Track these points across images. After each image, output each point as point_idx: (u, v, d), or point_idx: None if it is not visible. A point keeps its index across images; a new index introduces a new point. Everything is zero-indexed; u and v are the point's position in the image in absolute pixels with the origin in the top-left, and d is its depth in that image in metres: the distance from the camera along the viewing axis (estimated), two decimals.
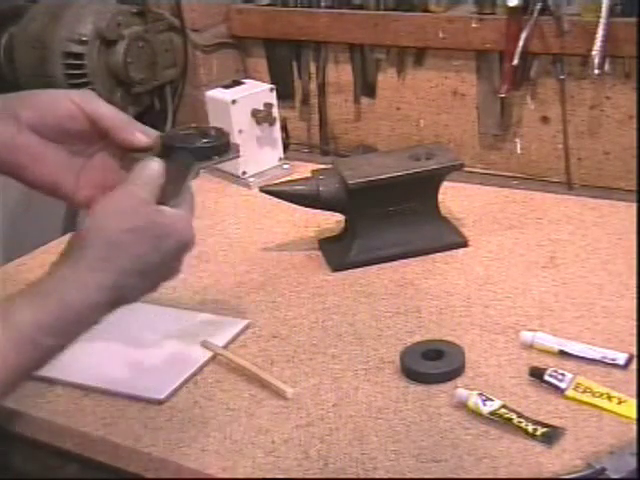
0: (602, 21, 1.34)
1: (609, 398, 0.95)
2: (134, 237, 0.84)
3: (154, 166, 0.88)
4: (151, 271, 0.86)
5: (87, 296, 0.82)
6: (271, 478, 0.90)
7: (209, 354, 1.09)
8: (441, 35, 1.53)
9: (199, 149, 0.91)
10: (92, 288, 0.82)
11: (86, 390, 1.05)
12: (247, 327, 1.15)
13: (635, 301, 1.12)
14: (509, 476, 0.87)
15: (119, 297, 0.85)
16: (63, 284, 0.82)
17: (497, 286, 1.19)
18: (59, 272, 0.83)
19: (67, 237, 1.45)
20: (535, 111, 1.52)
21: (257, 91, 1.58)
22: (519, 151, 1.56)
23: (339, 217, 1.34)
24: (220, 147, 0.92)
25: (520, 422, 0.92)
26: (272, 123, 1.58)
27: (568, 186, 1.50)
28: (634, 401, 0.94)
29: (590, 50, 1.35)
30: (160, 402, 1.02)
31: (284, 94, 1.72)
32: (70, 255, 0.84)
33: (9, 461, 1.09)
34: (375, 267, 1.27)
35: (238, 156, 0.94)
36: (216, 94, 1.58)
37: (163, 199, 0.88)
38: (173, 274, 0.90)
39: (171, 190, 0.89)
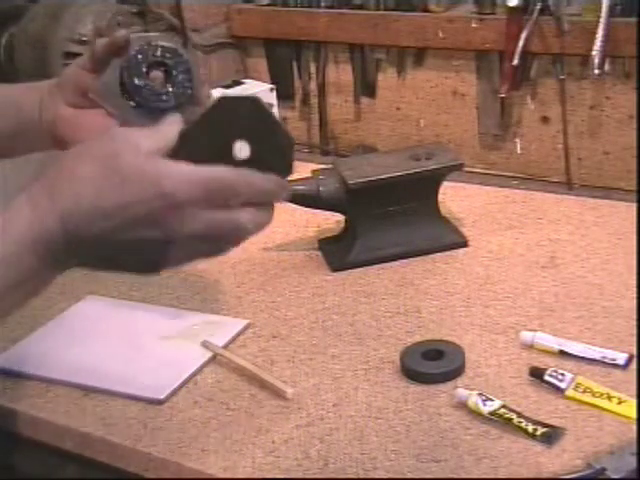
0: (602, 21, 1.34)
1: (609, 398, 0.95)
2: (102, 167, 0.72)
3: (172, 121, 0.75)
4: (117, 215, 0.71)
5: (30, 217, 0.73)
6: (271, 478, 0.90)
7: (209, 354, 1.09)
8: (441, 35, 1.53)
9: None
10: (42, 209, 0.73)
11: (86, 390, 1.05)
12: (247, 327, 1.15)
13: (635, 301, 1.12)
14: (509, 476, 0.87)
15: (74, 230, 0.72)
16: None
17: (497, 286, 1.19)
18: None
19: None
20: (535, 111, 1.52)
21: (257, 91, 1.58)
22: (519, 151, 1.56)
23: (339, 217, 1.34)
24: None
25: (520, 422, 0.92)
26: None
27: (568, 186, 1.50)
28: (634, 401, 0.94)
29: (590, 50, 1.35)
30: (160, 402, 1.02)
31: (284, 94, 1.72)
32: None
33: (9, 461, 1.10)
34: (375, 267, 1.27)
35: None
36: (216, 94, 1.57)
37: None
38: (159, 236, 0.72)
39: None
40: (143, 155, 0.71)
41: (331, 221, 1.37)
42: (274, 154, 0.75)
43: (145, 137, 0.73)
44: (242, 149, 0.73)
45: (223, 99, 0.74)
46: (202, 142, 0.73)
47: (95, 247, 0.73)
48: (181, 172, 0.71)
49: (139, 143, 0.72)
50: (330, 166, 1.33)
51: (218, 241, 0.74)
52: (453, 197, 1.41)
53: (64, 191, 0.73)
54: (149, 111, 0.89)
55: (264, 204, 0.75)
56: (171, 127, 0.74)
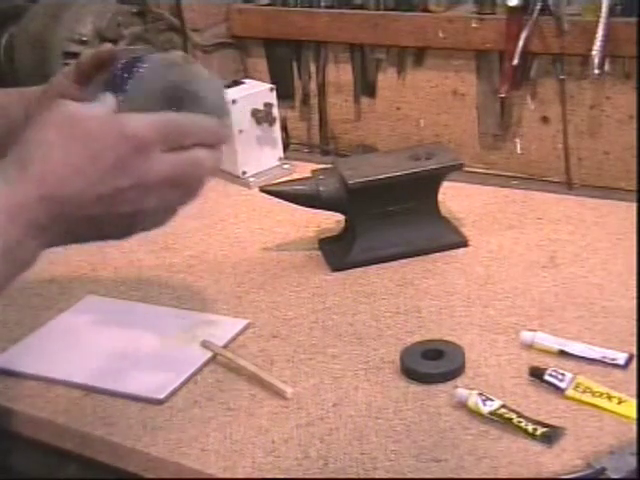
0: (602, 21, 1.34)
1: (609, 398, 0.95)
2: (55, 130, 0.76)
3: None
4: (88, 168, 0.75)
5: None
6: (271, 478, 0.90)
7: (209, 354, 1.09)
8: (441, 35, 1.53)
9: None
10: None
11: (86, 390, 1.05)
12: (247, 327, 1.15)
13: (635, 301, 1.12)
14: (509, 476, 0.87)
15: (49, 194, 0.75)
16: None
17: (497, 286, 1.19)
18: None
19: None
20: (535, 111, 1.52)
21: (257, 91, 1.58)
22: (519, 151, 1.56)
23: (339, 217, 1.34)
24: None
25: (520, 422, 0.92)
26: (272, 123, 1.59)
27: (568, 186, 1.50)
28: (634, 401, 0.94)
29: (590, 50, 1.35)
30: (160, 402, 1.02)
31: (284, 94, 1.72)
32: None
33: (9, 461, 1.10)
34: (375, 267, 1.27)
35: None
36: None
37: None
38: (131, 183, 0.76)
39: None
40: (98, 112, 0.77)
41: (331, 221, 1.37)
42: (208, 101, 0.82)
43: (92, 105, 0.79)
44: (178, 107, 0.81)
45: (148, 69, 0.83)
46: (139, 106, 0.79)
47: (74, 209, 0.75)
48: (138, 117, 0.77)
49: (91, 106, 0.78)
50: (330, 166, 1.33)
51: (185, 184, 0.79)
52: (453, 197, 1.41)
53: (34, 159, 0.75)
54: None
55: (213, 145, 0.81)
56: (110, 99, 0.80)
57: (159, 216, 0.81)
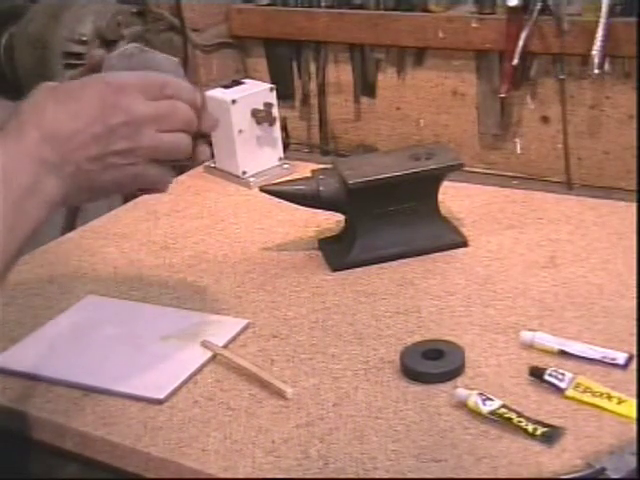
0: (602, 21, 1.34)
1: (609, 398, 0.95)
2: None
3: None
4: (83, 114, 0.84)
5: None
6: (271, 478, 0.90)
7: (209, 354, 1.09)
8: (441, 35, 1.53)
9: None
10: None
11: (86, 390, 1.05)
12: (247, 327, 1.15)
13: (635, 301, 1.12)
14: (509, 476, 0.87)
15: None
16: None
17: (497, 286, 1.19)
18: None
19: (66, 237, 1.46)
20: (535, 111, 1.52)
21: (257, 91, 1.58)
22: (519, 151, 1.56)
23: (339, 217, 1.34)
24: None
25: (520, 422, 0.92)
26: (272, 123, 1.59)
27: (568, 186, 1.50)
28: (634, 401, 0.94)
29: (590, 50, 1.35)
30: (160, 402, 1.02)
31: (284, 94, 1.72)
32: None
33: (9, 461, 1.09)
34: (375, 267, 1.27)
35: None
36: (216, 94, 1.58)
37: None
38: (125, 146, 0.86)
39: None
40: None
41: (331, 221, 1.37)
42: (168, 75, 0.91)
43: None
44: None
45: (114, 61, 0.92)
46: None
47: (75, 148, 0.83)
48: (121, 73, 0.89)
49: None
50: (330, 166, 1.33)
51: (170, 125, 0.87)
52: (453, 197, 1.41)
53: (29, 116, 0.84)
54: None
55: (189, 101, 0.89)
56: None
57: (163, 168, 0.88)
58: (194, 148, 0.91)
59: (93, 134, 0.83)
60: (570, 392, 0.96)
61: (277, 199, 1.32)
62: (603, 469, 0.85)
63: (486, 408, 0.94)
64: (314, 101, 1.75)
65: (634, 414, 0.92)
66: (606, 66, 1.37)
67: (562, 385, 0.97)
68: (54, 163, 0.83)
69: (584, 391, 0.96)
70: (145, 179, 0.88)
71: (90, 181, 0.85)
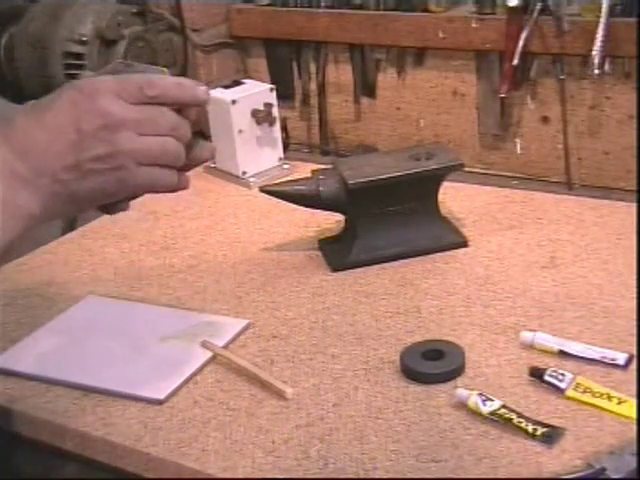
0: (602, 21, 1.34)
1: (609, 398, 0.95)
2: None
3: None
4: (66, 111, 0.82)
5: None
6: (271, 478, 0.90)
7: (209, 354, 1.09)
8: (441, 35, 1.53)
9: None
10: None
11: (86, 390, 1.05)
12: (247, 327, 1.15)
13: (635, 301, 1.12)
14: (509, 476, 0.87)
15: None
16: None
17: (497, 286, 1.19)
18: None
19: (66, 237, 1.46)
20: (535, 111, 1.52)
21: (257, 91, 1.58)
22: (519, 151, 1.56)
23: (339, 217, 1.34)
24: None
25: (520, 422, 0.92)
26: (272, 123, 1.59)
27: (568, 186, 1.50)
28: (634, 401, 0.94)
29: (590, 50, 1.35)
30: (160, 402, 1.02)
31: (284, 94, 1.72)
32: None
33: (9, 461, 1.10)
34: (375, 267, 1.27)
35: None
36: (216, 94, 1.58)
37: None
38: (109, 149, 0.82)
39: None
40: None
41: (331, 221, 1.37)
42: None
43: None
44: None
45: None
46: None
47: (49, 160, 0.80)
48: (96, 77, 0.84)
49: None
50: (330, 166, 1.33)
51: (155, 129, 0.83)
52: (453, 197, 1.41)
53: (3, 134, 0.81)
54: None
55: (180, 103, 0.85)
56: None
57: (153, 172, 0.84)
58: (189, 150, 0.87)
59: (67, 141, 0.80)
60: (570, 392, 0.96)
61: (277, 199, 1.32)
62: (603, 469, 0.85)
63: (486, 408, 0.94)
64: (314, 101, 1.75)
65: (634, 414, 0.92)
66: (606, 66, 1.37)
67: (562, 385, 0.97)
68: (27, 176, 0.80)
69: (584, 391, 0.96)
70: (136, 183, 0.84)
71: (70, 190, 0.82)
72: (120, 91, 0.82)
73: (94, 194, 0.83)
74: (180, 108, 0.86)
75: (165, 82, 0.84)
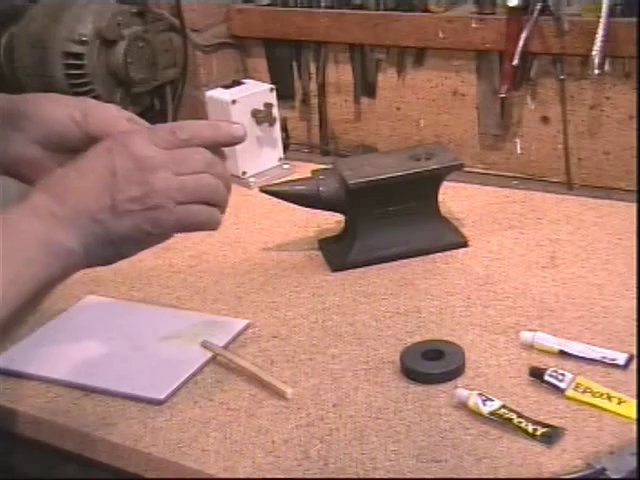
0: (602, 21, 1.34)
1: (609, 398, 0.95)
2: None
3: None
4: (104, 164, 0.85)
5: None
6: (271, 478, 0.90)
7: (209, 354, 1.09)
8: (441, 35, 1.53)
9: None
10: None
11: (86, 390, 1.05)
12: (247, 327, 1.15)
13: (635, 301, 1.12)
14: (509, 476, 0.87)
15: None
16: None
17: (497, 286, 1.19)
18: None
19: None
20: (535, 111, 1.52)
21: (257, 91, 1.58)
22: (519, 151, 1.56)
23: (339, 217, 1.34)
24: None
25: (520, 422, 0.92)
26: (272, 123, 1.59)
27: (568, 186, 1.50)
28: (634, 401, 0.94)
29: (590, 50, 1.35)
30: (160, 402, 1.02)
31: (284, 94, 1.72)
32: None
33: (9, 461, 1.10)
34: (375, 267, 1.27)
35: None
36: (216, 94, 1.58)
37: None
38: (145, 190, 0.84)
39: None
40: None
41: (331, 221, 1.37)
42: None
43: None
44: None
45: None
46: None
47: (86, 209, 0.83)
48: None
49: None
50: (330, 166, 1.33)
51: (190, 168, 0.85)
52: (453, 197, 1.41)
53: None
54: None
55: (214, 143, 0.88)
56: None
57: (190, 209, 0.85)
58: (229, 188, 0.90)
59: (103, 184, 0.83)
60: (570, 392, 0.96)
61: (277, 199, 1.32)
62: (603, 469, 0.85)
63: (486, 408, 0.94)
64: (314, 101, 1.75)
65: (634, 414, 0.92)
66: (606, 66, 1.37)
67: (562, 385, 0.97)
68: (65, 217, 0.82)
69: (584, 391, 0.96)
70: (173, 220, 0.85)
71: (108, 230, 0.83)
72: (152, 136, 0.85)
73: (132, 233, 0.84)
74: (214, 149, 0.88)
75: (197, 124, 0.88)
